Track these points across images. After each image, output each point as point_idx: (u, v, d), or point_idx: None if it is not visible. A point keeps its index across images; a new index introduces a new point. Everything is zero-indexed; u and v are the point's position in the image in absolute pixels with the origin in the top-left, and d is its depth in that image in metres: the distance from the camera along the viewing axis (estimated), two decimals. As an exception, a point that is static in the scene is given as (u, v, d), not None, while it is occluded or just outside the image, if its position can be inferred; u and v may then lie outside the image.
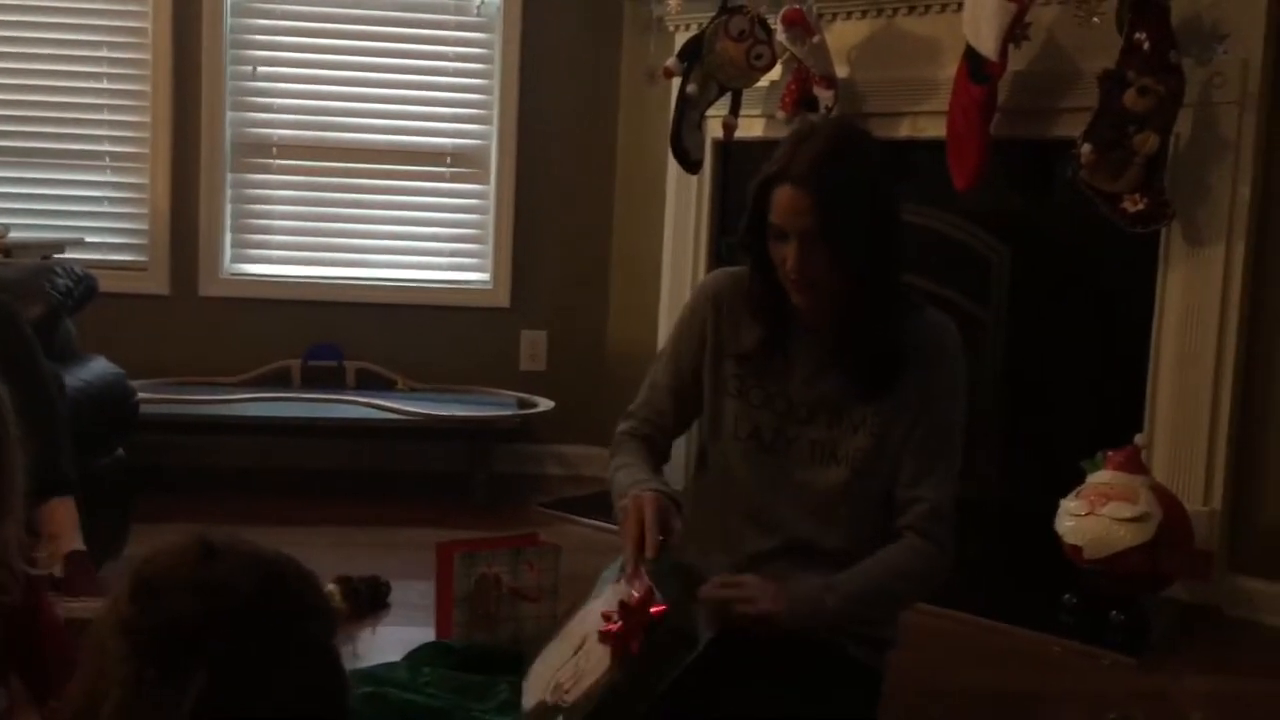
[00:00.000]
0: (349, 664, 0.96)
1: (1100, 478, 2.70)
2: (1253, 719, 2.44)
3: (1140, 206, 2.79)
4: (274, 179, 4.05)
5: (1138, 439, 2.77)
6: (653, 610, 1.54)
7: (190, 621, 0.86)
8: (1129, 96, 2.75)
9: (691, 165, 3.60)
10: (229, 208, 4.00)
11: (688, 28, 3.66)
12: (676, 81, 3.54)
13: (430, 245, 4.13)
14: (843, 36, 3.41)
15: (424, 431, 3.76)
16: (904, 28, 3.35)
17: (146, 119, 3.92)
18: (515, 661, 2.13)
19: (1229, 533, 2.91)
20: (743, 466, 1.86)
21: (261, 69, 3.98)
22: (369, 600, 2.70)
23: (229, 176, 3.99)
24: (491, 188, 4.06)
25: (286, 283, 4.03)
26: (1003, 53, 2.93)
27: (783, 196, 1.70)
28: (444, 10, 4.03)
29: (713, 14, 3.43)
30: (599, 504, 2.76)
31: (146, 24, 3.89)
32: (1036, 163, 3.14)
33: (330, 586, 2.57)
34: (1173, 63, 2.73)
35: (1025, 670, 2.59)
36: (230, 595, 0.88)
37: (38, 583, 1.56)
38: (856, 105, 3.36)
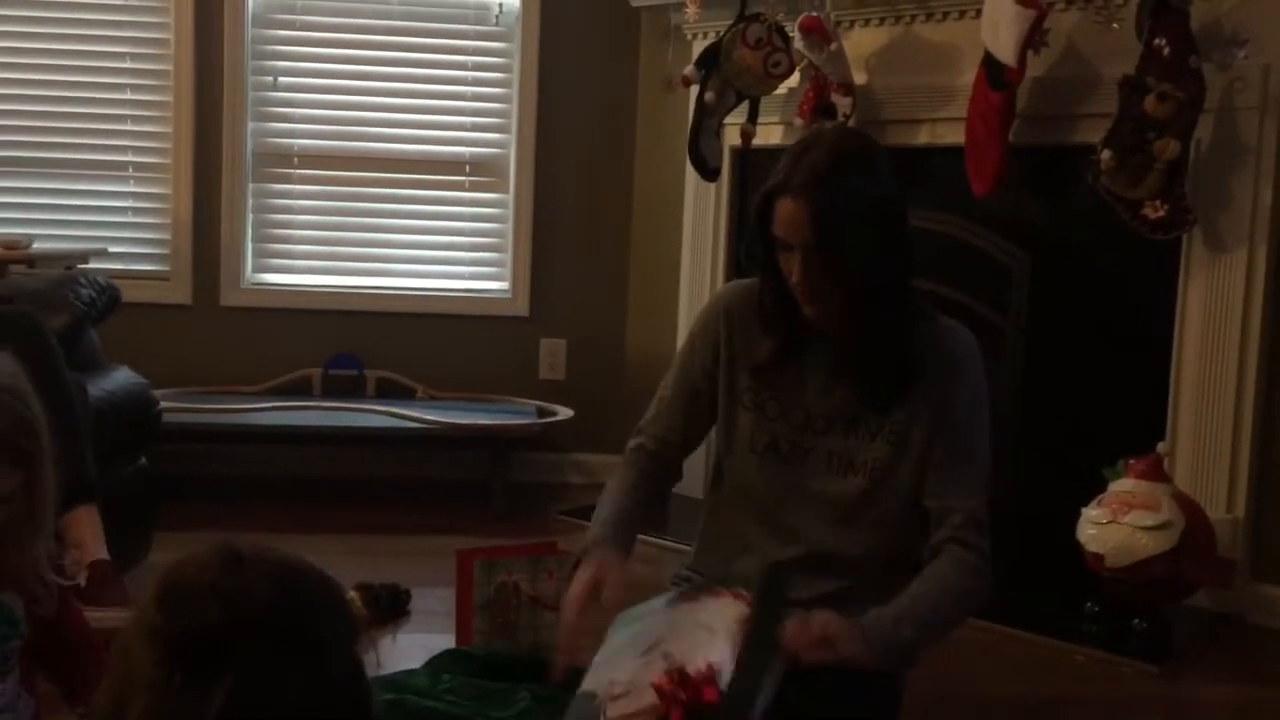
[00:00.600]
0: (370, 671, 0.97)
1: (1122, 485, 2.69)
2: (1277, 728, 2.43)
3: (1161, 213, 2.78)
4: (295, 189, 4.08)
5: (1160, 447, 2.75)
6: (706, 695, 1.51)
7: (216, 628, 0.87)
8: (1149, 102, 2.74)
9: (709, 173, 3.61)
10: (250, 217, 4.03)
11: (705, 36, 3.67)
12: (694, 90, 3.55)
13: (450, 254, 4.15)
14: (861, 44, 3.41)
15: (444, 440, 3.77)
16: (922, 34, 3.35)
17: (169, 129, 3.96)
18: (535, 668, 2.13)
19: (1252, 540, 2.89)
20: (760, 479, 1.86)
21: (282, 79, 4.01)
22: (389, 607, 2.71)
23: (250, 186, 4.02)
24: (510, 196, 4.08)
25: (307, 292, 4.06)
26: (1021, 59, 2.93)
27: (783, 209, 1.70)
28: (463, 20, 4.05)
29: (730, 22, 3.44)
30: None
31: (169, 35, 3.92)
32: (1056, 169, 3.13)
33: (351, 594, 2.58)
34: (1193, 68, 2.72)
35: (1047, 679, 2.58)
36: (256, 602, 0.89)
37: (64, 591, 1.58)
38: (874, 112, 3.36)
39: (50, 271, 3.30)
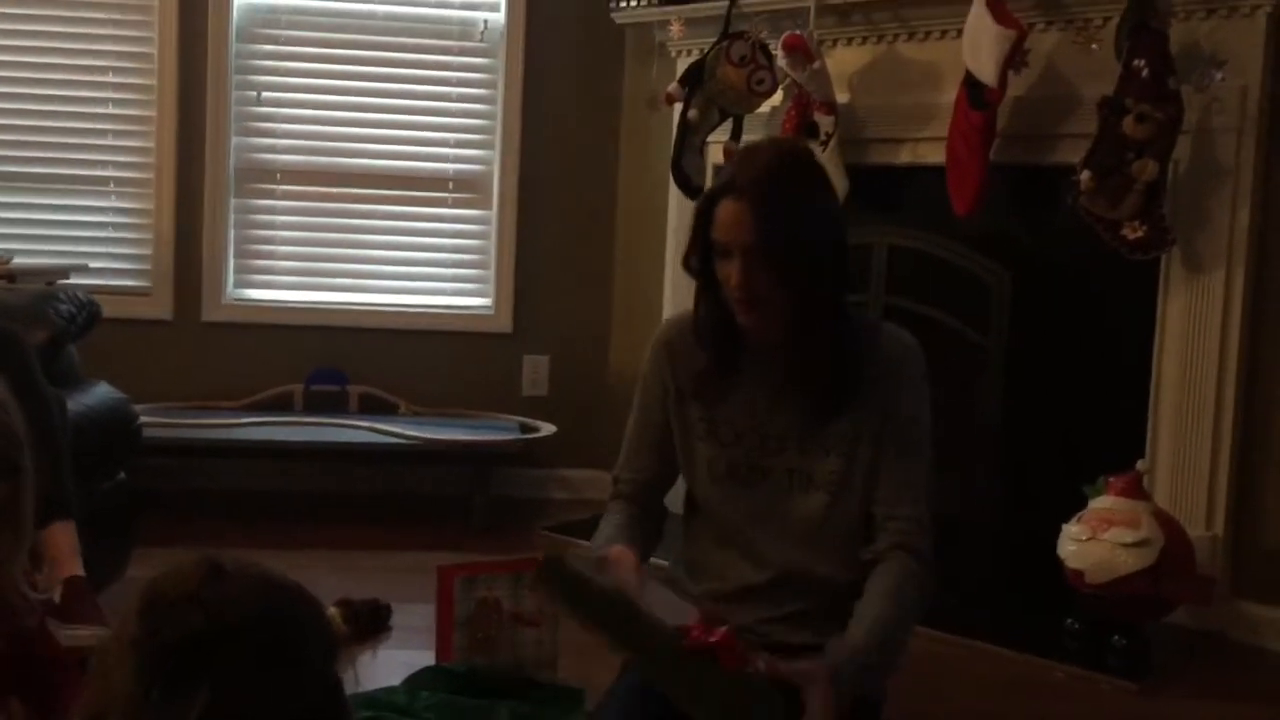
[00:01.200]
0: (349, 688, 0.96)
1: (1102, 503, 2.70)
2: (1256, 745, 2.44)
3: (1140, 233, 2.80)
4: (278, 204, 4.07)
5: (1139, 464, 2.77)
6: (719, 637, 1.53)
7: (195, 640, 0.87)
8: (1128, 123, 2.76)
9: (693, 190, 3.61)
10: (232, 233, 4.02)
11: (689, 53, 3.69)
12: (678, 107, 3.57)
13: (433, 270, 4.15)
14: (843, 62, 3.43)
15: (426, 456, 3.76)
16: (904, 54, 3.37)
17: (151, 144, 3.95)
18: (514, 686, 2.12)
19: (1231, 558, 2.90)
20: (725, 504, 1.85)
21: (266, 94, 4.01)
22: (369, 623, 2.71)
23: (233, 202, 4.01)
24: (494, 213, 4.08)
25: (290, 308, 4.05)
26: (1002, 79, 2.95)
27: (725, 210, 1.70)
28: (448, 36, 4.06)
29: (714, 40, 3.46)
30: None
31: (151, 49, 3.92)
32: (1036, 188, 3.15)
33: (331, 609, 2.57)
34: (1171, 89, 2.74)
35: (1027, 695, 2.58)
36: (237, 612, 0.89)
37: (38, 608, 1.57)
38: (856, 131, 3.38)
39: (30, 287, 3.28)
